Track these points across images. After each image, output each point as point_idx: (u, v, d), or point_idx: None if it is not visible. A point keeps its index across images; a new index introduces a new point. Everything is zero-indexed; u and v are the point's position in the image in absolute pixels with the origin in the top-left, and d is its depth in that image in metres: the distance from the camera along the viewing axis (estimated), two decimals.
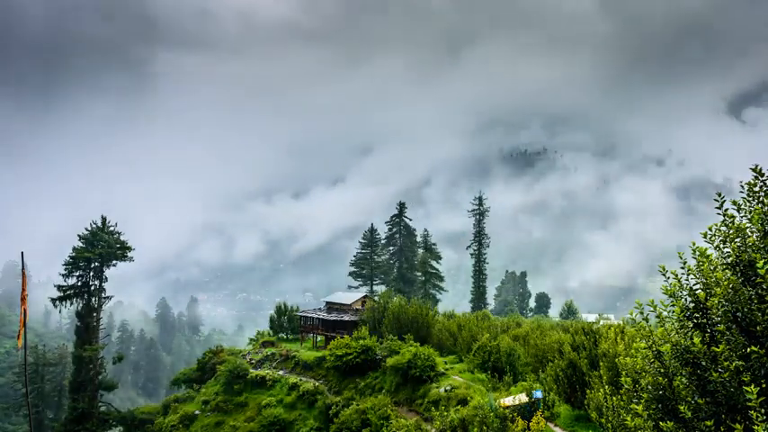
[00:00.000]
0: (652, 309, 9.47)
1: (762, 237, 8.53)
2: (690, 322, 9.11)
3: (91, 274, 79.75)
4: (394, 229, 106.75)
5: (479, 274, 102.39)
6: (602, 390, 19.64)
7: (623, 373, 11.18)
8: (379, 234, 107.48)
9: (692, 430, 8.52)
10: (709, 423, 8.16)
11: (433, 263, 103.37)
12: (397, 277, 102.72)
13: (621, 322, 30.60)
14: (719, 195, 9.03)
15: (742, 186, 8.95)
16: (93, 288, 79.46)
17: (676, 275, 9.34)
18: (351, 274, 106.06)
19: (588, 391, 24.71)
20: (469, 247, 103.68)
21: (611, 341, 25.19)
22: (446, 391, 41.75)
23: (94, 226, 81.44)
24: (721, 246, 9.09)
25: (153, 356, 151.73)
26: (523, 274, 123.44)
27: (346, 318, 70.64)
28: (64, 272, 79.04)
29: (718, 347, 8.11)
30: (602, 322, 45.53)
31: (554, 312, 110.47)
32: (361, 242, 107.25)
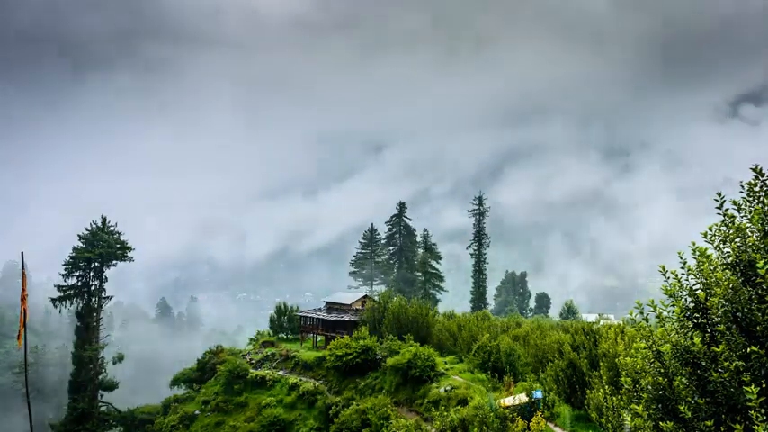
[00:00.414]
0: (652, 309, 9.47)
1: (762, 237, 8.53)
2: (690, 322, 9.11)
3: (91, 274, 79.78)
4: (394, 229, 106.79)
5: (479, 274, 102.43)
6: (602, 390, 19.65)
7: (623, 373, 11.18)
8: (379, 234, 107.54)
9: (692, 430, 8.52)
10: (709, 423, 8.16)
11: (433, 263, 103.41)
12: (397, 277, 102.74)
13: (621, 322, 30.61)
14: (719, 195, 9.04)
15: (742, 186, 8.96)
16: (93, 288, 79.48)
17: (676, 275, 9.34)
18: (351, 274, 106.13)
19: (588, 391, 24.71)
20: (469, 246, 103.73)
21: (611, 341, 25.21)
22: (446, 391, 41.76)
23: (94, 226, 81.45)
24: (721, 246, 9.09)
25: (153, 356, 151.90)
26: (523, 274, 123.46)
27: (346, 318, 70.64)
28: (64, 272, 79.05)
29: (718, 347, 8.11)
30: (602, 322, 45.55)
31: (554, 312, 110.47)
32: (361, 242, 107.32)
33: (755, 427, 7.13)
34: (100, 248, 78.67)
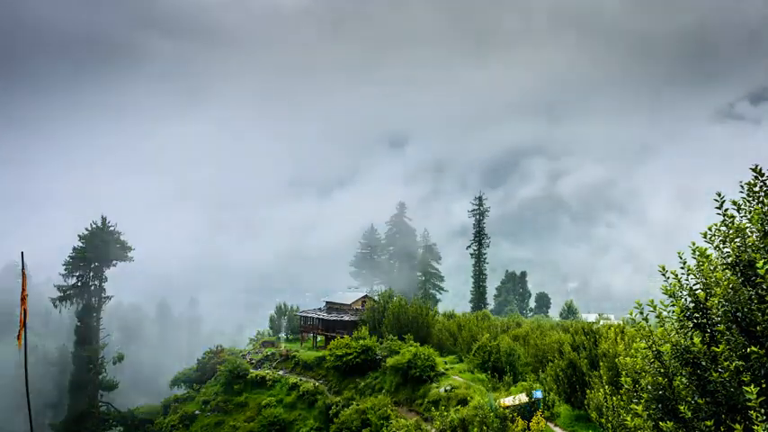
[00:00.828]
0: (652, 309, 9.47)
1: (762, 237, 8.53)
2: (690, 322, 9.11)
3: (91, 274, 79.85)
4: (394, 229, 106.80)
5: (479, 274, 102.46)
6: (602, 390, 19.65)
7: (623, 373, 11.18)
8: (379, 234, 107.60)
9: (692, 430, 8.52)
10: (709, 423, 8.16)
11: (433, 263, 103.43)
12: (397, 277, 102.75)
13: (621, 322, 30.60)
14: (719, 195, 9.04)
15: (742, 186, 8.96)
16: (93, 288, 79.52)
17: (676, 275, 9.34)
18: (351, 274, 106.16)
19: (588, 391, 24.72)
20: (469, 246, 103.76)
21: (611, 341, 25.21)
22: (446, 391, 41.76)
23: (94, 226, 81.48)
24: (721, 246, 9.10)
25: (153, 356, 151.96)
26: (523, 274, 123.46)
27: (346, 318, 70.66)
28: (64, 272, 79.10)
29: (718, 347, 8.11)
30: (602, 322, 45.53)
31: (554, 312, 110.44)
32: (361, 242, 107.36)
33: (755, 427, 7.13)
34: (100, 248, 78.70)
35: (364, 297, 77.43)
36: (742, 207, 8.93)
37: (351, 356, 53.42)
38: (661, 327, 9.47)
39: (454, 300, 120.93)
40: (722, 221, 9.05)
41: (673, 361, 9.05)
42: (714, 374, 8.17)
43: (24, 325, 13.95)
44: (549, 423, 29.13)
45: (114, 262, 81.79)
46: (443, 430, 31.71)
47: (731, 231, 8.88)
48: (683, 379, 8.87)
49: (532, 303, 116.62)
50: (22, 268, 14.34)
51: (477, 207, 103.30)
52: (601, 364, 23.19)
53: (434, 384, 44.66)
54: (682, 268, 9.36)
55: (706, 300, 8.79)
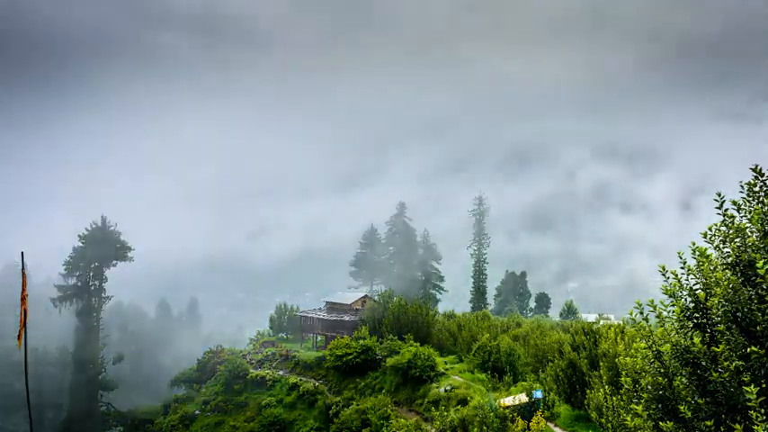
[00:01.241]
0: (652, 309, 9.47)
1: (762, 237, 8.53)
2: (690, 322, 9.11)
3: (91, 274, 79.86)
4: (394, 229, 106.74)
5: (479, 274, 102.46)
6: (602, 390, 19.65)
7: (623, 373, 11.18)
8: (379, 234, 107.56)
9: (692, 430, 8.52)
10: (709, 423, 8.16)
11: (433, 263, 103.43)
12: (397, 277, 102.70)
13: (621, 322, 30.60)
14: (719, 195, 9.04)
15: (742, 186, 8.96)
16: (93, 288, 79.54)
17: (676, 275, 9.34)
18: (351, 274, 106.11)
19: (588, 391, 24.71)
20: (470, 246, 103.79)
21: (611, 341, 25.20)
22: (446, 391, 41.76)
23: (94, 226, 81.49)
24: (721, 246, 9.10)
25: (153, 357, 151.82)
26: (523, 274, 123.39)
27: (346, 318, 70.65)
28: (64, 272, 79.11)
29: (718, 347, 8.11)
30: (602, 322, 45.52)
31: (554, 312, 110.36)
32: (361, 242, 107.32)
33: (755, 427, 7.13)
34: (100, 248, 78.72)
35: (364, 297, 77.43)
36: (742, 207, 8.94)
37: (351, 356, 53.43)
38: (661, 327, 9.47)
39: (454, 300, 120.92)
40: (722, 221, 9.05)
41: (673, 361, 9.05)
42: (714, 374, 8.17)
43: (24, 325, 13.94)
44: (549, 423, 29.13)
45: (114, 262, 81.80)
46: (443, 430, 31.71)
47: (731, 231, 8.88)
48: (683, 379, 8.87)
49: (532, 303, 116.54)
50: (22, 268, 14.32)
51: (476, 207, 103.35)
52: (601, 364, 23.18)
53: (434, 384, 44.66)
54: (682, 268, 9.36)
55: (706, 300, 8.79)
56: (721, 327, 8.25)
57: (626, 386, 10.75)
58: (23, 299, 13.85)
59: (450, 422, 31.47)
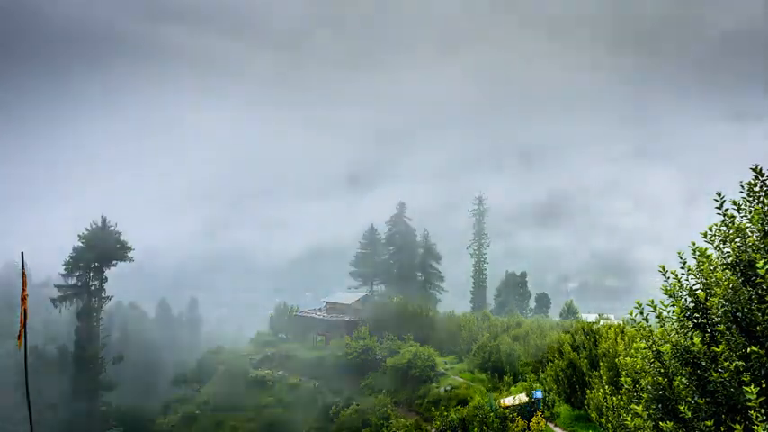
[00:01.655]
0: (652, 309, 9.47)
1: (762, 237, 8.53)
2: (690, 322, 9.11)
3: (91, 274, 79.84)
4: (394, 229, 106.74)
5: (479, 274, 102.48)
6: (602, 390, 19.65)
7: (623, 373, 11.18)
8: (379, 234, 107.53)
9: (692, 430, 8.52)
10: (709, 423, 8.16)
11: (433, 263, 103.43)
12: (397, 277, 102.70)
13: (621, 322, 30.59)
14: (719, 195, 9.04)
15: (742, 186, 8.97)
16: (93, 288, 79.53)
17: (676, 275, 9.34)
18: (351, 273, 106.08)
19: (588, 391, 24.70)
20: (470, 246, 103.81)
21: (611, 341, 25.19)
22: (446, 391, 41.76)
23: (94, 226, 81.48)
24: (721, 246, 9.10)
25: (153, 356, 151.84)
26: (523, 275, 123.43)
27: (346, 318, 70.64)
28: (64, 272, 79.10)
29: (718, 347, 8.11)
30: (602, 322, 45.54)
31: (554, 312, 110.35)
32: (361, 242, 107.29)
33: (755, 427, 7.13)
34: (100, 248, 78.72)
35: (364, 297, 77.44)
36: (742, 207, 8.94)
37: (351, 356, 53.42)
38: (661, 327, 9.47)
39: (454, 300, 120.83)
40: (722, 221, 9.05)
41: (673, 361, 9.05)
42: (714, 374, 8.17)
43: (24, 325, 13.94)
44: (549, 423, 29.14)
45: (114, 262, 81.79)
46: (443, 430, 31.72)
47: (731, 231, 8.88)
48: (683, 379, 8.87)
49: (532, 303, 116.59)
50: (23, 268, 14.32)
51: (476, 207, 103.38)
52: (601, 364, 23.18)
53: (434, 384, 44.67)
54: (682, 268, 9.37)
55: (706, 300, 8.79)
56: (721, 327, 8.25)
57: (626, 386, 10.75)
58: (23, 299, 13.86)
59: (450, 422, 31.48)
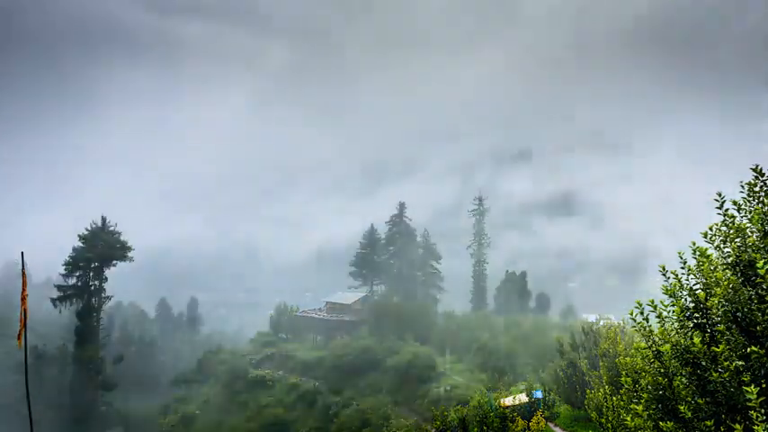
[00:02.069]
0: (652, 309, 9.47)
1: (762, 237, 8.53)
2: (690, 322, 9.10)
3: (91, 274, 79.86)
4: (394, 229, 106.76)
5: (479, 274, 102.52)
6: (602, 390, 19.65)
7: (623, 373, 11.18)
8: (379, 234, 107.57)
9: (692, 430, 8.51)
10: (709, 423, 8.16)
11: (433, 263, 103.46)
12: (397, 277, 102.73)
13: (621, 322, 30.59)
14: (719, 195, 9.04)
15: (742, 186, 8.97)
16: (93, 288, 79.53)
17: (676, 275, 9.34)
18: (351, 273, 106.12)
19: (588, 391, 24.70)
20: (470, 246, 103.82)
21: (611, 341, 25.19)
22: (446, 390, 41.77)
23: (94, 226, 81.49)
24: (721, 246, 9.09)
25: (153, 356, 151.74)
26: (523, 274, 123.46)
27: (346, 318, 70.64)
28: (64, 272, 79.12)
29: (718, 347, 8.10)
30: (602, 322, 45.54)
31: (554, 312, 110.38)
32: (361, 242, 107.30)
33: (755, 427, 7.13)
34: (100, 249, 78.72)
35: (364, 297, 77.44)
36: (742, 207, 8.94)
37: (351, 356, 53.43)
38: (661, 327, 9.47)
39: (454, 300, 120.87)
40: (722, 221, 9.05)
41: (673, 361, 9.04)
42: (714, 374, 8.16)
43: (24, 325, 13.94)
44: (549, 423, 29.14)
45: (114, 262, 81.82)
46: (443, 430, 31.70)
47: (731, 231, 8.88)
48: (683, 379, 8.86)
49: (532, 303, 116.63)
50: (23, 268, 14.32)
51: (476, 207, 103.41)
52: (601, 364, 23.17)
53: (434, 384, 44.68)
54: (682, 268, 9.36)
55: (706, 300, 8.78)
56: (721, 327, 8.25)
57: (626, 386, 10.74)
58: (23, 299, 13.85)
59: (450, 422, 31.46)
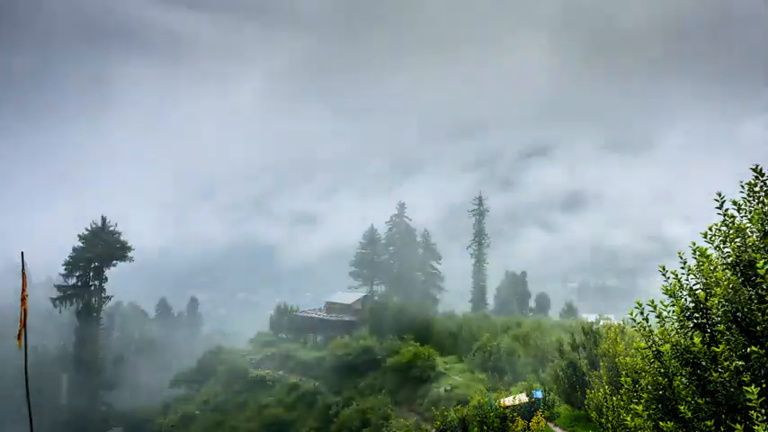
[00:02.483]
0: (652, 309, 9.46)
1: (762, 237, 8.53)
2: (690, 322, 9.10)
3: (91, 274, 79.84)
4: (394, 229, 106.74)
5: (479, 274, 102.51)
6: (602, 390, 19.65)
7: (623, 373, 11.17)
8: (379, 234, 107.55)
9: (692, 430, 8.51)
10: (709, 423, 8.16)
11: (433, 263, 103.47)
12: (397, 277, 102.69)
13: (621, 322, 30.58)
14: (719, 195, 9.04)
15: (742, 186, 8.96)
16: (93, 288, 79.52)
17: (676, 275, 9.33)
18: (351, 273, 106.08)
19: (588, 391, 24.69)
20: (469, 246, 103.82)
21: (611, 341, 25.17)
22: (446, 390, 41.75)
23: (94, 226, 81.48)
24: (721, 246, 9.09)
25: (153, 357, 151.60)
26: (523, 274, 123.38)
27: (346, 318, 70.66)
28: (64, 272, 79.11)
29: (718, 347, 8.10)
30: (602, 322, 45.54)
31: (554, 312, 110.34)
32: (361, 242, 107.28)
33: (755, 427, 7.12)
34: (100, 249, 78.73)
35: (364, 297, 77.44)
36: (742, 207, 8.93)
37: (351, 356, 53.41)
38: (661, 327, 9.46)
39: (454, 300, 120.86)
40: (722, 221, 9.05)
41: (673, 361, 9.04)
42: (714, 374, 8.16)
43: (24, 325, 13.93)
44: (549, 423, 29.13)
45: (114, 262, 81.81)
46: (443, 430, 31.68)
47: (731, 231, 8.88)
48: (683, 379, 8.86)
49: (532, 303, 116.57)
50: (23, 268, 14.32)
51: (476, 207, 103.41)
52: (601, 364, 23.17)
53: (434, 384, 44.66)
54: (682, 268, 9.36)
55: (706, 300, 8.78)
56: (721, 327, 8.24)
57: (626, 386, 10.74)
58: (23, 299, 13.84)
59: (450, 422, 31.45)
